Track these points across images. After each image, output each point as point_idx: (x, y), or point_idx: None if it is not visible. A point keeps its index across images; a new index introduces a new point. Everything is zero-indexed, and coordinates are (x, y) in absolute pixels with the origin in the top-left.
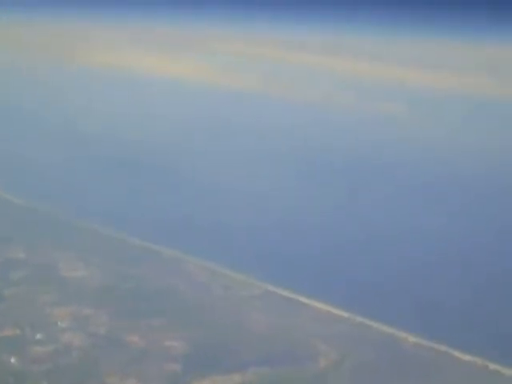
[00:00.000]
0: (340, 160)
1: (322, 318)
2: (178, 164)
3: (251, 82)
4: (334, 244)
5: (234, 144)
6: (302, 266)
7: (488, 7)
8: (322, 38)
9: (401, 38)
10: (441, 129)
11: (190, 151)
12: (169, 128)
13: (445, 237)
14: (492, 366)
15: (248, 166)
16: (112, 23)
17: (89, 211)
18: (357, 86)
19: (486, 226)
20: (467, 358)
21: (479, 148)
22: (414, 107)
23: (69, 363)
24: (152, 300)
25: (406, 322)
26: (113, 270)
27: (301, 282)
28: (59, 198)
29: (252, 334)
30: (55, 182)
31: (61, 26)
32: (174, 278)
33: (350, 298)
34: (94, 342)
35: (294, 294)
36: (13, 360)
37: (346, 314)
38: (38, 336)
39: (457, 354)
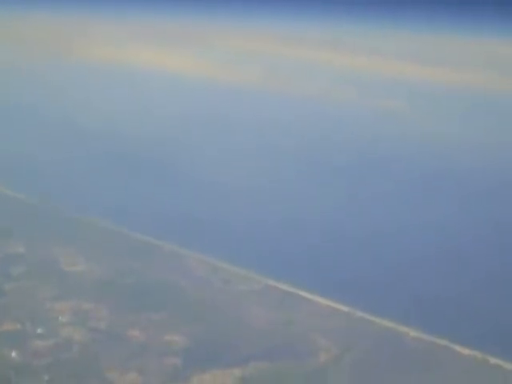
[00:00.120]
0: (338, 154)
1: (322, 312)
2: (177, 159)
3: (250, 76)
4: (333, 239)
5: (232, 138)
6: (301, 261)
7: (488, 3)
8: (321, 32)
9: (400, 32)
10: (439, 123)
11: (189, 146)
12: (168, 123)
13: (444, 231)
14: (493, 361)
15: (247, 160)
16: (111, 18)
17: (89, 206)
18: (356, 81)
19: (484, 221)
20: (467, 352)
21: (478, 142)
22: (413, 102)
23: (69, 357)
24: (152, 294)
25: (407, 317)
26: (113, 264)
27: (301, 277)
28: (59, 192)
29: (252, 328)
30: (55, 176)
31: (60, 20)
32: (174, 273)
33: (350, 292)
34: (95, 336)
35: (294, 289)
36: (14, 354)
37: (345, 309)
38: (39, 330)
39: (457, 348)
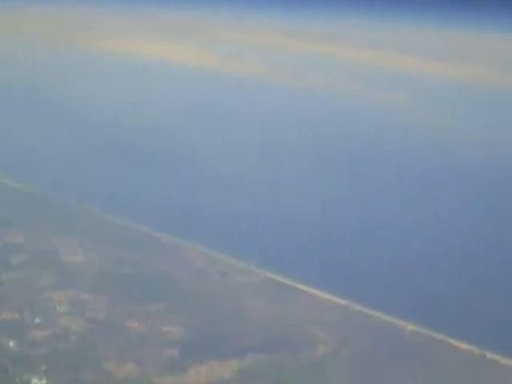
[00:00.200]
0: (340, 147)
1: (320, 305)
2: (178, 151)
3: (253, 69)
4: (333, 233)
5: (234, 131)
6: (300, 254)
7: None
8: (325, 26)
9: (403, 27)
10: (441, 116)
11: (191, 138)
12: (169, 114)
13: (443, 226)
14: (489, 356)
15: (249, 153)
16: (115, 9)
17: (89, 197)
18: (359, 74)
19: (484, 215)
20: (464, 346)
21: (478, 135)
22: (415, 95)
23: (67, 348)
24: (150, 285)
25: (404, 311)
26: (112, 255)
27: (299, 270)
28: (59, 183)
29: (250, 320)
30: (55, 166)
31: (64, 12)
32: (173, 264)
33: (348, 286)
34: (93, 326)
35: (292, 282)
36: (11, 343)
37: (343, 302)
38: (37, 320)
39: (455, 342)
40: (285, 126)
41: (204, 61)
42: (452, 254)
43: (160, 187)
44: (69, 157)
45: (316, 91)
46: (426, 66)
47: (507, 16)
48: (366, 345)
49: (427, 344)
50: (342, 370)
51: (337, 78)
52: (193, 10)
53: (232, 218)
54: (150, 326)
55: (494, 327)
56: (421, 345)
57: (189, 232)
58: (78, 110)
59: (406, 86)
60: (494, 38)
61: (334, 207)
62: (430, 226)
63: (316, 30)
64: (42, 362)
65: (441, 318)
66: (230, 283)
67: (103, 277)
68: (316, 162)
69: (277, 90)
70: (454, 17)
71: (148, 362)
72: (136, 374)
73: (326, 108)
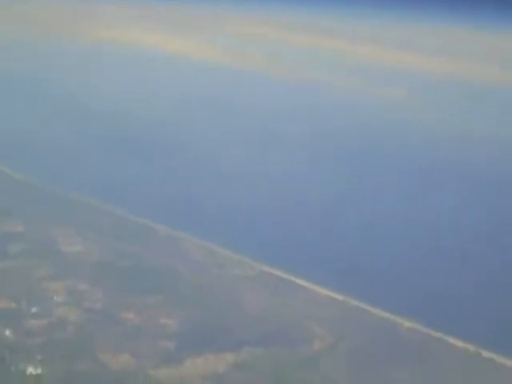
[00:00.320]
0: (338, 142)
1: (317, 300)
2: (177, 142)
3: (252, 62)
4: (330, 227)
5: (233, 123)
6: (297, 248)
7: None
8: (325, 20)
9: (402, 23)
10: (437, 113)
11: (190, 130)
12: (169, 106)
13: (440, 222)
14: (485, 354)
15: (246, 145)
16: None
17: (89, 187)
18: (357, 69)
19: (481, 211)
20: (460, 344)
21: (475, 132)
22: (414, 91)
23: (63, 338)
24: (148, 277)
25: (402, 307)
26: (110, 246)
27: (296, 264)
28: (59, 173)
29: (246, 314)
30: (56, 156)
31: (65, 1)
32: (171, 256)
33: (345, 280)
34: (89, 317)
35: (289, 275)
36: (7, 332)
37: (340, 297)
38: (34, 309)
39: (451, 340)
40: (282, 120)
41: (205, 53)
42: (449, 251)
43: (160, 179)
44: (69, 147)
45: (315, 85)
46: (424, 62)
47: (506, 13)
48: (363, 341)
49: (423, 341)
50: (338, 364)
51: (336, 72)
52: (194, 2)
53: (231, 210)
54: (147, 317)
55: (490, 325)
56: (417, 342)
57: (188, 224)
58: (77, 101)
59: (404, 82)
60: (492, 34)
61: (332, 202)
62: (427, 222)
63: (316, 24)
64: (38, 351)
65: (438, 315)
66: (228, 276)
67: (101, 267)
68: (313, 156)
69: (276, 83)
70: (453, 13)
71: (144, 353)
72: (131, 365)
73: (325, 102)
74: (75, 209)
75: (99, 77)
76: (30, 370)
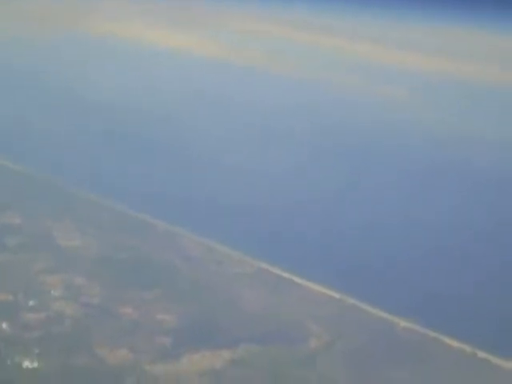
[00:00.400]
0: (338, 140)
1: (314, 298)
2: (177, 138)
3: (254, 58)
4: (329, 225)
5: (234, 120)
6: (295, 246)
7: None
8: (327, 18)
9: (403, 22)
10: (440, 113)
11: (191, 126)
12: (170, 101)
13: (440, 222)
14: (481, 354)
15: (246, 142)
16: None
17: (88, 181)
18: (358, 68)
19: (481, 211)
20: (456, 344)
21: (478, 132)
22: (415, 91)
23: (60, 331)
24: (146, 273)
25: (398, 307)
26: (109, 241)
27: (294, 262)
28: (59, 166)
29: (244, 311)
30: (55, 150)
31: None
32: (170, 252)
33: (343, 279)
34: (87, 311)
35: (287, 273)
36: (4, 326)
37: (337, 295)
38: (31, 303)
39: (447, 340)
40: (283, 117)
41: (206, 49)
42: (448, 251)
43: (159, 175)
44: (70, 142)
45: (316, 82)
46: (424, 61)
47: (506, 13)
48: (360, 339)
49: (419, 341)
50: (334, 363)
51: (337, 70)
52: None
53: (229, 207)
54: (145, 312)
55: (486, 326)
56: (413, 341)
57: (186, 220)
58: (78, 95)
59: (404, 81)
60: (492, 34)
61: (331, 200)
62: (426, 222)
63: (318, 22)
64: (35, 345)
65: (434, 315)
66: (226, 273)
67: (99, 262)
68: (313, 154)
69: (277, 80)
70: (453, 13)
71: (141, 348)
72: (128, 360)
73: (326, 99)
74: (74, 203)
75: (100, 71)
76: (27, 363)
